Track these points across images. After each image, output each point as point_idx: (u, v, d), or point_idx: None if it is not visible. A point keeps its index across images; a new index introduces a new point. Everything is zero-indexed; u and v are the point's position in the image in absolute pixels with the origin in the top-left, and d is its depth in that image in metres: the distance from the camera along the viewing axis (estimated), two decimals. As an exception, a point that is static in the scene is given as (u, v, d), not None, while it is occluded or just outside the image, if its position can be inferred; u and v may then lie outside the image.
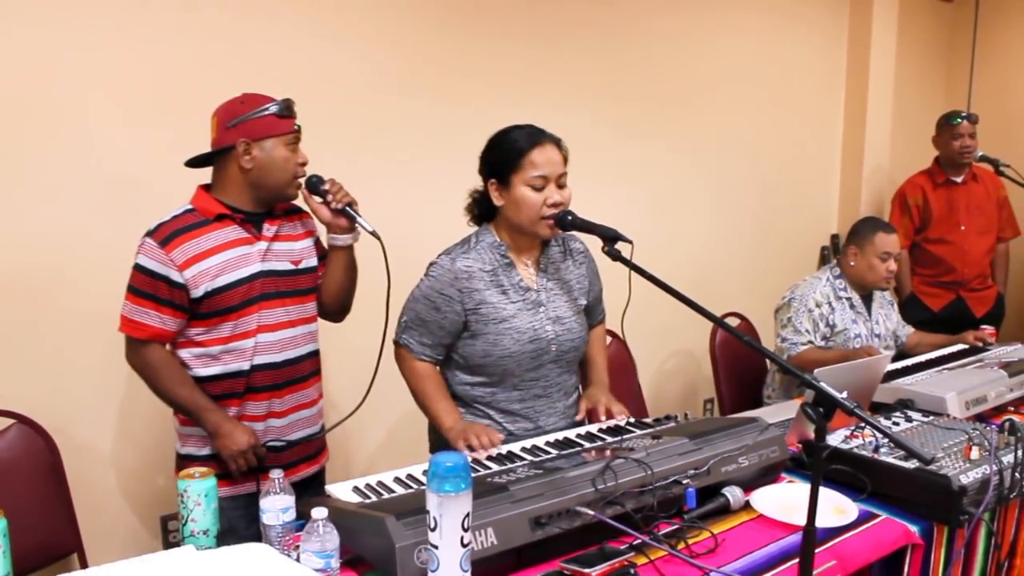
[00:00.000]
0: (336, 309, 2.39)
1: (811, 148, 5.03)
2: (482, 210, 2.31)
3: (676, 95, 4.25)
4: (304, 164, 2.19)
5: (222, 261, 2.10)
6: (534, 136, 2.17)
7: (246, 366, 2.17)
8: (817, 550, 1.61)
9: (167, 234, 2.08)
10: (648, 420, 2.29)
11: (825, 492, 1.88)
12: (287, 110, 2.15)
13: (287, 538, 1.68)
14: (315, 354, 2.35)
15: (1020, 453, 2.05)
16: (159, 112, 2.74)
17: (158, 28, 2.73)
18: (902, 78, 5.20)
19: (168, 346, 2.18)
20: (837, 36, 5.03)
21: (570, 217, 2.14)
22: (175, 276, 2.07)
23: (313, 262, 2.32)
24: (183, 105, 2.72)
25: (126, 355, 2.17)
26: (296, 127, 2.17)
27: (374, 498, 1.78)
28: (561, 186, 2.17)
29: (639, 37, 4.03)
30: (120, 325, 2.13)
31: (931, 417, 2.37)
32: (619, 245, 2.04)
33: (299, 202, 2.27)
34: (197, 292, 2.08)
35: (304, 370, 2.29)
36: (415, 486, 1.84)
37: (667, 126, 4.23)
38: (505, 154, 2.17)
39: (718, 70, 4.43)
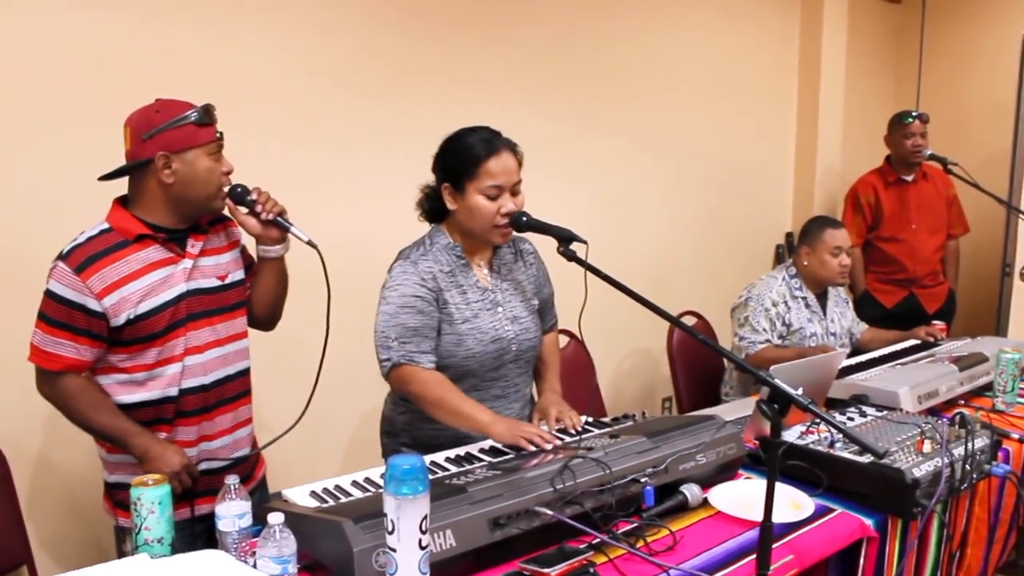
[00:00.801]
0: (267, 319, 2.29)
1: (765, 147, 5.09)
2: (434, 207, 2.28)
3: (630, 94, 4.27)
4: (229, 173, 2.04)
5: (145, 286, 1.95)
6: (491, 143, 2.14)
7: (174, 391, 2.03)
8: (774, 545, 1.63)
9: (83, 259, 1.91)
10: (606, 419, 2.29)
11: (781, 488, 1.89)
12: (207, 116, 1.97)
13: (244, 544, 1.65)
14: (246, 372, 2.22)
15: (970, 446, 2.08)
16: (74, 116, 2.61)
17: (63, 18, 2.59)
18: (853, 78, 5.29)
19: (87, 372, 2.02)
20: (789, 37, 5.10)
21: (525, 218, 2.13)
22: (92, 304, 1.91)
23: (240, 275, 2.18)
24: (101, 109, 2.56)
25: (37, 386, 2.01)
26: (218, 134, 2.01)
27: (331, 502, 1.76)
28: (515, 194, 2.17)
29: (591, 37, 4.04)
30: (30, 354, 1.98)
31: (884, 412, 2.41)
32: (574, 245, 2.04)
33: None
34: (118, 320, 1.93)
35: (235, 389, 2.17)
36: (372, 489, 1.82)
37: (621, 126, 4.25)
38: (460, 160, 2.15)
39: (671, 70, 4.47)
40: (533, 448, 1.96)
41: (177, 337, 2.01)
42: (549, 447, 1.95)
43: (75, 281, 1.90)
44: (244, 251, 2.25)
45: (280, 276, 2.21)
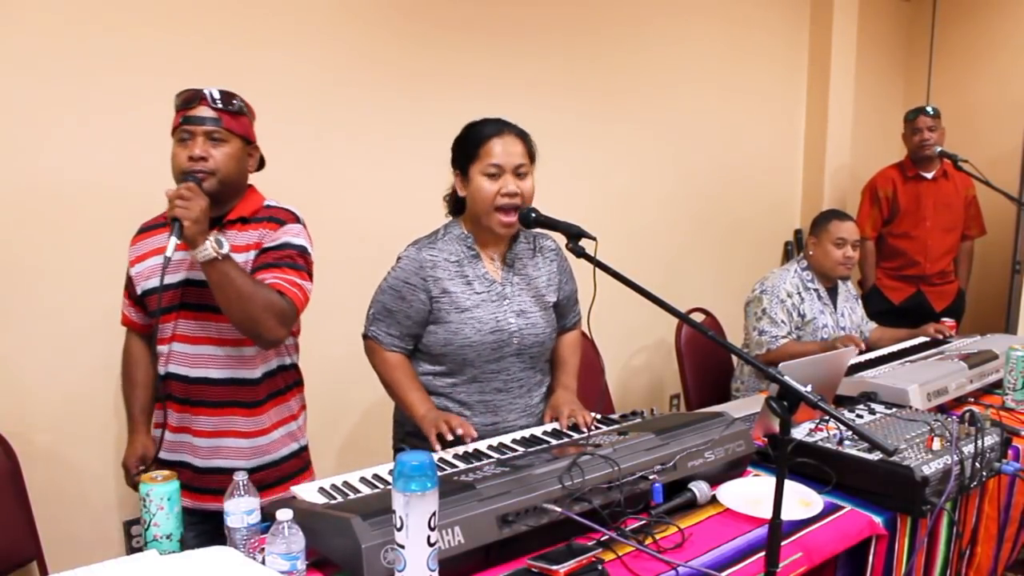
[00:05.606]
0: (241, 331, 2.01)
1: (774, 144, 5.07)
2: (458, 201, 2.30)
3: (640, 93, 4.26)
4: (194, 159, 1.95)
5: (155, 265, 2.06)
6: (496, 128, 2.17)
7: (163, 371, 2.12)
8: (783, 543, 1.63)
9: (138, 230, 2.18)
10: (614, 416, 2.29)
11: (790, 485, 1.89)
12: (176, 100, 2.00)
13: (252, 541, 1.65)
14: (243, 382, 2.10)
15: (980, 443, 2.07)
16: (79, 116, 2.64)
17: (74, 19, 2.62)
18: (863, 75, 5.27)
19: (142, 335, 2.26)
20: (798, 33, 5.08)
21: (533, 214, 2.13)
22: (129, 271, 2.16)
23: None
24: (108, 107, 2.68)
25: None
26: (183, 119, 1.97)
27: (340, 499, 1.76)
28: (519, 176, 2.17)
29: (600, 36, 4.03)
30: None
31: (894, 409, 2.40)
32: (583, 242, 2.04)
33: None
34: (137, 289, 2.14)
35: (220, 395, 2.09)
36: (381, 486, 1.82)
37: (631, 123, 4.24)
38: (467, 145, 2.18)
39: (682, 68, 4.45)
40: (450, 437, 2.01)
41: (168, 321, 2.09)
42: (458, 432, 2.01)
43: (129, 247, 2.17)
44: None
45: (216, 284, 1.89)
